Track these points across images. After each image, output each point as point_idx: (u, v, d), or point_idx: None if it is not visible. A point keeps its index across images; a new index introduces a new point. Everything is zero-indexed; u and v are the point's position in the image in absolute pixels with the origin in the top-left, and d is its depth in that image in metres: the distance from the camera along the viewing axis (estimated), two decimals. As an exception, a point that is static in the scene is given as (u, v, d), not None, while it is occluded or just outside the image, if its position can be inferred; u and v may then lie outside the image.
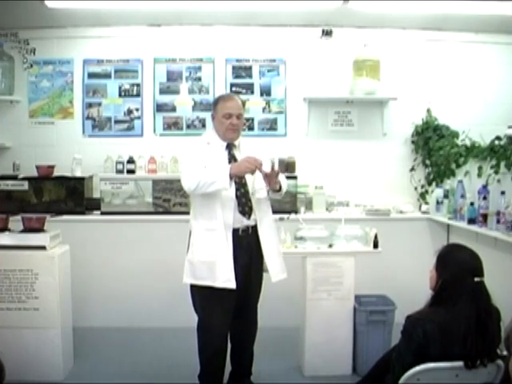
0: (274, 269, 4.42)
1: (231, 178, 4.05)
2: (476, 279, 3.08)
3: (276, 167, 4.32)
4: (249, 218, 4.31)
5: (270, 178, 4.20)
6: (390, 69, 6.82)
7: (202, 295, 4.31)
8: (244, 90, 6.93)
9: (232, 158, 4.36)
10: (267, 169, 4.19)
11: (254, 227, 4.35)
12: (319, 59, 6.90)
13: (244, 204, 4.31)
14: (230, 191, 4.19)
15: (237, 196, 4.27)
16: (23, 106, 6.86)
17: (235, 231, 4.26)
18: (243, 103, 4.59)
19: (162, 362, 5.41)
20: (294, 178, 6.56)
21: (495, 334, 3.07)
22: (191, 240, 4.35)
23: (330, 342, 5.10)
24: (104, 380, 4.90)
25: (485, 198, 5.22)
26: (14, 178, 6.41)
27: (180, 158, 4.50)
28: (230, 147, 4.41)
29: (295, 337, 5.41)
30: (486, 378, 3.05)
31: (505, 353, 3.06)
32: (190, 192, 4.23)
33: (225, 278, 4.15)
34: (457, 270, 3.12)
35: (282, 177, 4.42)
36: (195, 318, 4.46)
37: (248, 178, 4.33)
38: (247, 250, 4.32)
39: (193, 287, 4.37)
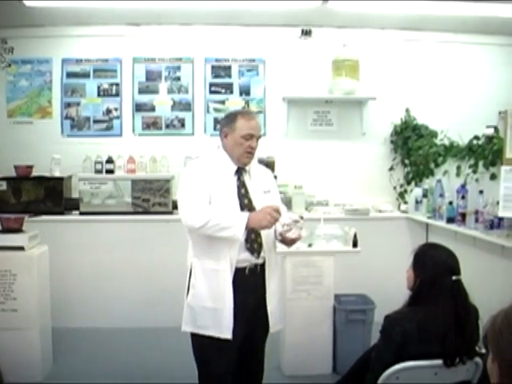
0: (274, 318, 3.80)
1: (246, 228, 3.44)
2: (454, 278, 3.10)
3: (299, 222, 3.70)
4: (258, 256, 3.66)
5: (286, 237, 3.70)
6: (369, 69, 6.84)
7: (204, 345, 3.68)
8: (223, 90, 6.94)
9: (242, 186, 3.74)
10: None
11: (263, 265, 3.72)
12: (298, 59, 6.91)
13: (253, 240, 3.65)
14: None
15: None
16: (1, 106, 6.81)
17: (241, 270, 3.63)
18: None
19: (141, 363, 5.37)
20: (274, 177, 6.54)
21: (474, 332, 3.09)
22: (191, 281, 3.71)
23: (310, 341, 5.11)
24: (83, 381, 4.89)
25: (463, 197, 5.27)
26: (-8, 178, 6.36)
27: (180, 183, 3.73)
28: (239, 172, 3.77)
29: (275, 336, 5.40)
30: (465, 375, 3.07)
31: (483, 350, 3.07)
32: (193, 229, 3.57)
33: (230, 327, 3.57)
34: (434, 269, 3.13)
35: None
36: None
37: (258, 205, 3.68)
38: (254, 292, 3.69)
39: (193, 335, 3.74)
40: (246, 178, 3.79)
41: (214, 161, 3.78)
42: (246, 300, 3.62)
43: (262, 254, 3.68)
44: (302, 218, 3.77)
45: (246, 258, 3.63)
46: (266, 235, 3.70)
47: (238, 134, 3.67)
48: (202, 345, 3.68)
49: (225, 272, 3.58)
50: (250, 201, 3.70)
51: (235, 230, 3.42)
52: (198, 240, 3.68)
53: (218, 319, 3.58)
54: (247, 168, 3.81)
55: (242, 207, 3.65)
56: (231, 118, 3.78)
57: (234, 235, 3.44)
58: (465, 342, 3.01)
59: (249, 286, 3.64)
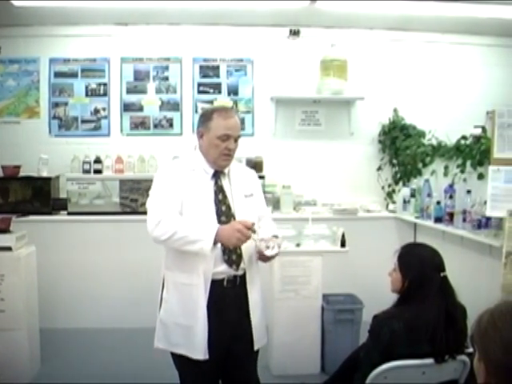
0: (258, 333, 3.50)
1: (215, 243, 3.14)
2: (441, 274, 3.12)
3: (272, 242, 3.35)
4: (237, 268, 3.35)
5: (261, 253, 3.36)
6: (357, 69, 6.85)
7: (181, 363, 3.42)
8: (211, 90, 6.93)
9: (219, 191, 3.42)
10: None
11: (243, 277, 3.40)
12: (286, 59, 6.91)
13: (231, 251, 3.33)
14: None
15: None
16: (-12, 106, 6.77)
17: (219, 282, 3.31)
18: None
19: (130, 364, 5.37)
20: (262, 177, 6.53)
21: (463, 327, 3.10)
22: (164, 295, 3.47)
23: (298, 341, 5.11)
24: (71, 381, 4.86)
25: (451, 197, 5.29)
26: (-21, 178, 6.33)
27: (151, 189, 3.43)
28: (217, 175, 3.44)
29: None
30: (453, 375, 3.08)
31: (471, 350, 3.08)
32: (158, 241, 3.26)
33: (204, 347, 3.27)
34: (422, 267, 3.15)
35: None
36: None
37: (238, 211, 3.42)
38: (235, 304, 3.38)
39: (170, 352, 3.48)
40: (224, 182, 3.47)
41: (190, 163, 3.46)
42: (226, 314, 3.34)
43: (241, 266, 3.37)
44: (276, 237, 3.43)
45: (224, 271, 3.32)
46: (246, 245, 3.30)
47: (214, 134, 3.34)
48: (180, 361, 3.41)
49: (197, 287, 3.28)
50: (228, 207, 3.40)
51: (203, 243, 3.12)
52: (169, 251, 3.41)
53: (191, 338, 3.30)
54: (226, 171, 3.48)
55: (220, 214, 3.35)
56: (207, 116, 3.42)
57: (201, 249, 3.14)
58: (455, 337, 3.03)
59: (229, 299, 3.35)
